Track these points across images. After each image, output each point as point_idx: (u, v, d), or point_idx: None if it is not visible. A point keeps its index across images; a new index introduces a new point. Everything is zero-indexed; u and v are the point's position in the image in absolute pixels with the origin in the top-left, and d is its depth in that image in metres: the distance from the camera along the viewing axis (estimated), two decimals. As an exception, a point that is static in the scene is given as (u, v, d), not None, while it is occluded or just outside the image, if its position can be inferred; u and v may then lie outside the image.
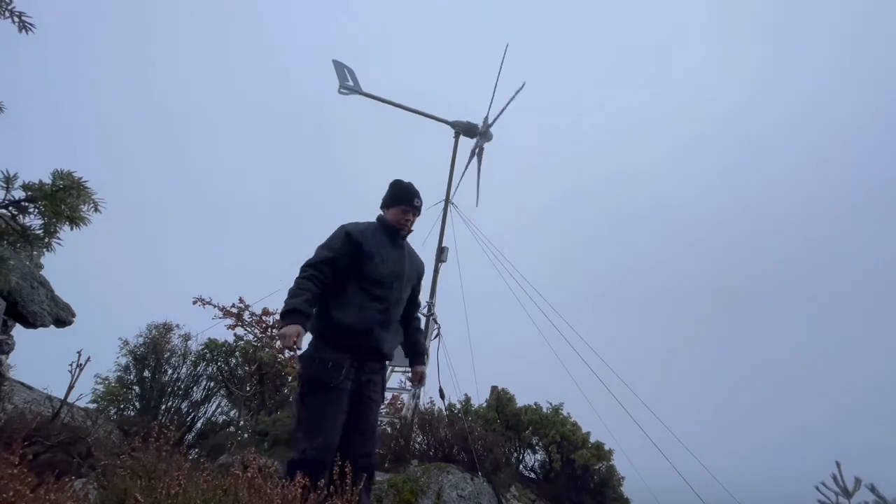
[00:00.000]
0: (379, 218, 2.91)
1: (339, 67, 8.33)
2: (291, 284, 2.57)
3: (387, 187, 2.96)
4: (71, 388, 4.84)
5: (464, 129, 8.56)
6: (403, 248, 2.90)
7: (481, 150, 8.44)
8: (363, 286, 2.61)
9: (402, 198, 2.85)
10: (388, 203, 2.89)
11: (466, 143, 8.69)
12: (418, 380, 2.98)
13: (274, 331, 9.43)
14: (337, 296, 2.60)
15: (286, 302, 2.47)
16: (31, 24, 2.37)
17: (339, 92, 8.29)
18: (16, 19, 2.34)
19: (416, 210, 2.87)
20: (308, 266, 2.59)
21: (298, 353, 2.42)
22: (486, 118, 8.42)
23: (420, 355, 2.98)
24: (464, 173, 8.41)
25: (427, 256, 7.98)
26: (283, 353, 2.51)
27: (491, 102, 8.28)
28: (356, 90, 8.31)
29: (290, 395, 8.24)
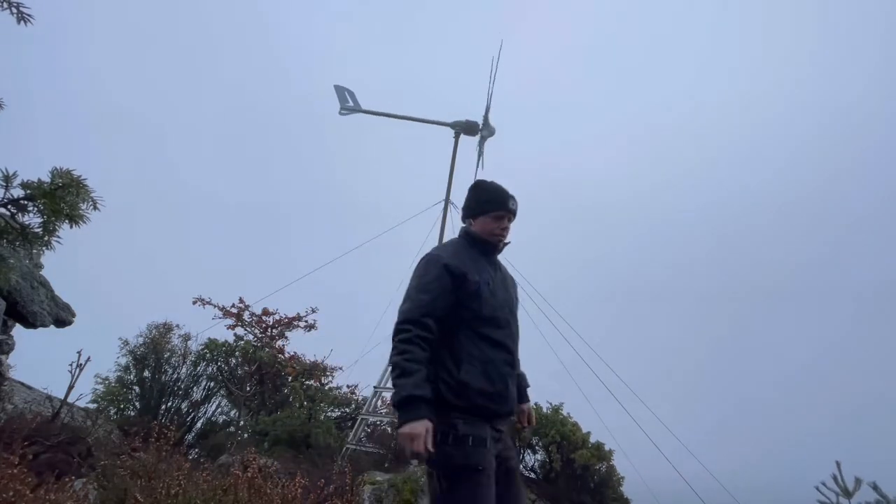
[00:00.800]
0: (464, 233, 2.33)
1: (340, 91, 8.82)
2: (392, 353, 1.97)
3: (468, 192, 2.38)
4: (71, 388, 4.85)
5: (464, 128, 8.63)
6: (501, 268, 2.33)
7: (483, 139, 8.59)
8: (477, 330, 2.05)
9: (494, 201, 2.27)
10: (474, 211, 2.30)
11: (465, 143, 8.75)
12: (527, 420, 2.35)
13: (274, 331, 9.42)
14: (450, 347, 2.03)
15: (397, 384, 1.87)
16: (29, 16, 2.35)
17: (340, 113, 8.81)
18: (14, 10, 2.32)
19: (512, 214, 2.28)
20: (408, 324, 1.97)
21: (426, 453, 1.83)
22: (486, 114, 8.52)
23: (524, 389, 2.38)
24: (476, 173, 8.54)
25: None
26: (411, 451, 1.80)
27: (488, 98, 8.44)
28: (356, 109, 8.80)
29: (289, 395, 8.24)
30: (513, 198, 2.29)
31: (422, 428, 1.79)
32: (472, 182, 2.48)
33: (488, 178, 2.42)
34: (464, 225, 2.36)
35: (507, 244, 2.32)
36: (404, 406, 1.82)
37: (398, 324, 2.00)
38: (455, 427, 1.90)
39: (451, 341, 2.03)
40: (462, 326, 2.05)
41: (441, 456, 1.86)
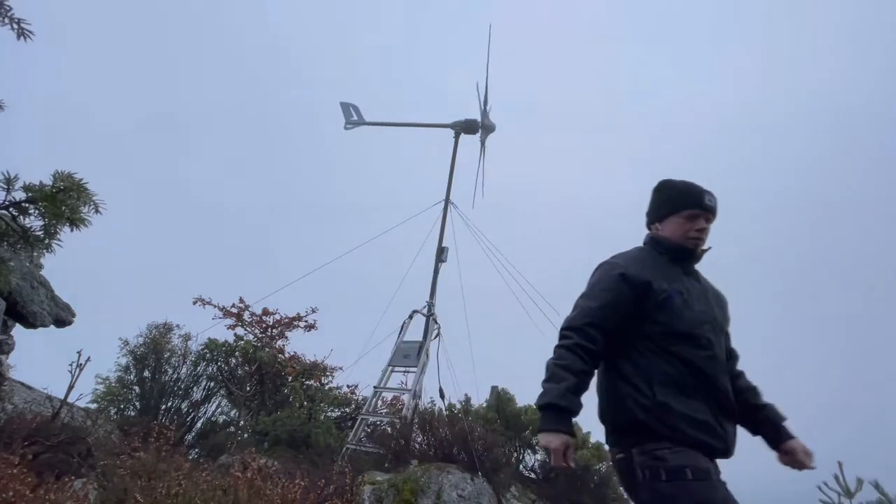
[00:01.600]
0: (649, 239, 1.96)
1: (345, 107, 9.15)
2: (550, 356, 1.75)
3: (651, 195, 2.01)
4: (71, 388, 4.86)
5: (463, 127, 8.68)
6: (701, 279, 1.92)
7: (485, 131, 8.67)
8: (669, 348, 1.69)
9: (685, 197, 1.88)
10: (661, 213, 1.93)
11: (467, 143, 8.79)
12: (802, 461, 1.78)
13: (274, 331, 9.43)
14: (636, 366, 1.71)
15: (543, 388, 1.68)
16: (29, 32, 2.39)
17: (345, 128, 9.11)
18: (15, 26, 2.36)
19: (710, 213, 1.86)
20: (570, 331, 1.74)
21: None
22: (486, 110, 8.58)
23: (782, 421, 1.85)
24: (481, 172, 8.61)
25: (426, 257, 8.00)
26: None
27: (486, 91, 8.52)
28: (360, 122, 9.13)
29: (289, 395, 8.25)
30: (709, 193, 1.87)
31: (558, 443, 1.59)
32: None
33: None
34: (648, 232, 1.99)
35: (706, 250, 1.90)
36: (546, 413, 1.65)
37: (560, 330, 1.79)
38: (662, 458, 1.55)
39: (637, 360, 1.71)
40: (649, 344, 1.71)
41: (659, 498, 1.54)
